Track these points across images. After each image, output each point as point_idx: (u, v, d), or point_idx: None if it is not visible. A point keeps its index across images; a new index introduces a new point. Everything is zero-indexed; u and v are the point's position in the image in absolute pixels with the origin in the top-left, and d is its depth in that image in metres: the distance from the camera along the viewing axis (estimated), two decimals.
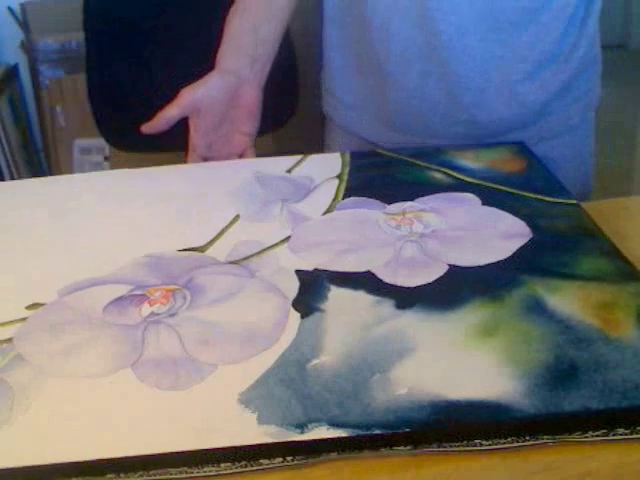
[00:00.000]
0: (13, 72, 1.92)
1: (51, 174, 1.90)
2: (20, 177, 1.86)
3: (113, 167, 1.79)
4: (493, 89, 0.80)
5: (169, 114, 0.75)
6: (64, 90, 1.74)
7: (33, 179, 0.78)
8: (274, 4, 0.79)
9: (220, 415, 0.43)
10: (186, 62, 1.31)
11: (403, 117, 0.84)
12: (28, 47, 1.79)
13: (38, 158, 2.01)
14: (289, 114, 1.51)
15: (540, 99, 0.82)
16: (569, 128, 0.85)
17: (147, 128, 0.76)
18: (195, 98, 0.75)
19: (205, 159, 0.78)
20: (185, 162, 0.78)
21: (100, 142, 1.63)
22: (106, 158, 1.80)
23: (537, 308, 0.51)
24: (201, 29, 1.31)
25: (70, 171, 1.81)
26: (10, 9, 1.86)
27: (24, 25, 1.81)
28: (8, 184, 0.93)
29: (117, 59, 1.35)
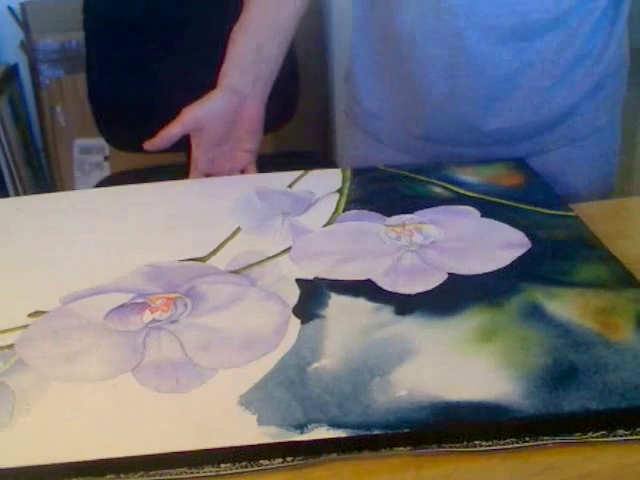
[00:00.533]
0: (13, 72, 1.92)
1: (51, 174, 1.91)
2: (20, 177, 1.86)
3: (113, 167, 1.79)
4: (522, 96, 0.80)
5: (171, 132, 0.75)
6: (64, 90, 1.74)
7: (35, 195, 0.78)
8: (278, 24, 0.79)
9: (220, 416, 0.43)
10: (186, 62, 1.31)
11: (429, 129, 0.84)
12: (28, 47, 1.79)
13: (38, 158, 2.02)
14: (289, 114, 1.52)
15: (569, 102, 0.81)
16: (596, 129, 0.85)
17: (149, 145, 0.77)
18: (197, 116, 0.76)
19: (207, 175, 0.79)
20: (186, 174, 0.79)
21: (100, 142, 1.63)
22: (106, 158, 1.80)
23: (536, 314, 0.51)
24: (200, 29, 1.31)
25: (70, 171, 1.81)
26: (10, 9, 1.86)
27: (24, 25, 1.81)
28: (11, 200, 0.93)
29: (117, 59, 1.35)
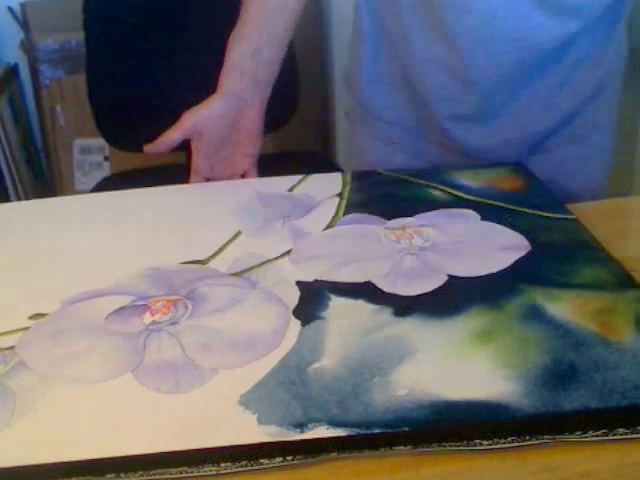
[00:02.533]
0: (13, 72, 1.92)
1: (51, 174, 1.91)
2: (20, 177, 1.86)
3: (113, 167, 1.79)
4: (525, 107, 0.81)
5: (171, 137, 0.76)
6: (64, 90, 1.74)
7: (36, 200, 0.78)
8: (275, 27, 0.79)
9: (220, 415, 0.43)
10: (185, 62, 1.31)
11: (436, 139, 0.85)
12: (28, 47, 1.79)
13: (38, 158, 2.02)
14: (289, 114, 1.51)
15: (570, 107, 0.82)
16: (596, 127, 0.85)
17: (149, 149, 0.77)
18: (197, 121, 0.76)
19: (207, 180, 0.79)
20: (187, 181, 0.79)
21: (100, 142, 1.63)
22: (106, 158, 1.80)
23: (536, 315, 0.51)
24: (200, 29, 1.31)
25: (70, 171, 1.81)
26: (10, 9, 1.86)
27: (24, 25, 1.81)
28: (12, 205, 0.93)
29: (117, 59, 1.35)
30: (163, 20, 1.34)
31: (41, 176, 1.99)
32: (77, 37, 1.59)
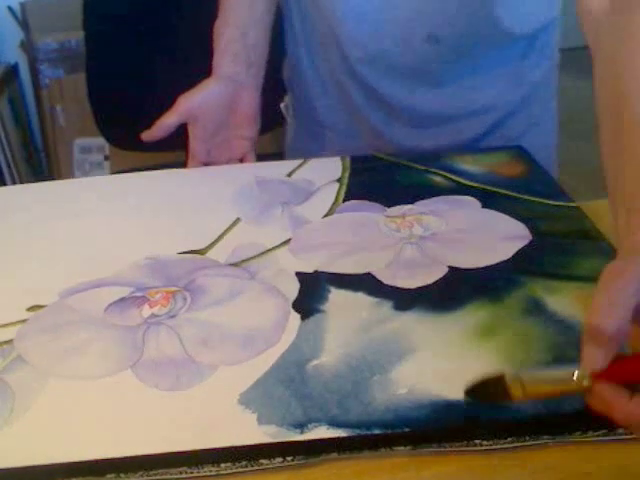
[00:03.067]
0: (13, 72, 1.92)
1: (51, 174, 1.90)
2: (20, 177, 1.86)
3: (113, 166, 1.79)
4: (454, 120, 0.82)
5: (167, 122, 0.75)
6: (64, 90, 1.74)
7: (33, 184, 0.78)
8: (256, 10, 0.80)
9: (220, 415, 0.43)
10: (185, 61, 1.31)
11: (371, 143, 0.86)
12: (28, 46, 1.79)
13: (38, 158, 2.01)
14: None
15: (501, 115, 0.83)
16: (531, 125, 0.86)
17: (146, 136, 0.77)
18: (192, 105, 0.76)
19: (205, 165, 0.79)
20: (185, 166, 0.78)
21: (100, 141, 1.62)
22: (106, 157, 1.80)
23: (537, 309, 0.51)
24: (200, 28, 1.31)
25: (70, 170, 1.81)
26: (10, 8, 1.86)
27: (24, 24, 1.81)
28: (9, 189, 0.93)
29: (117, 59, 1.35)
30: (163, 20, 1.34)
31: (41, 176, 1.99)
32: (77, 37, 1.59)
